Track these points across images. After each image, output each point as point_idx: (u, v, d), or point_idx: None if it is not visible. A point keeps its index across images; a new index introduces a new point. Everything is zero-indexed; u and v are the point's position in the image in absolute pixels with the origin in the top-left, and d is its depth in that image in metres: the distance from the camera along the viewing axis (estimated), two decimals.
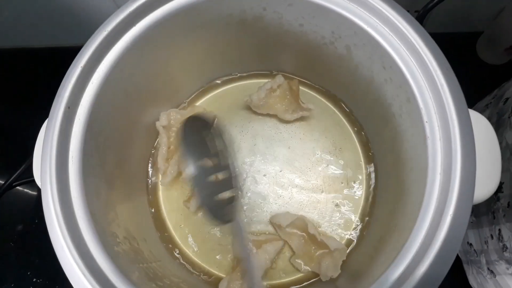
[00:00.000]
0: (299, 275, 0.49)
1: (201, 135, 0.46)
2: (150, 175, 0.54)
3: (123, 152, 0.47)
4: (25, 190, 0.67)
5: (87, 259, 0.34)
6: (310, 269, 0.49)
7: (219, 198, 0.46)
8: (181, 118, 0.53)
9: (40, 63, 0.73)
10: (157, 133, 0.53)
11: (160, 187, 0.54)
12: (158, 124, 0.51)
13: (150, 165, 0.54)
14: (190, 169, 0.45)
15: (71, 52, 0.39)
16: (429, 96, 0.37)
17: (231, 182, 0.47)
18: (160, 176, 0.53)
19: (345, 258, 0.47)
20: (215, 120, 0.54)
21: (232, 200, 0.46)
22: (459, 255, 0.56)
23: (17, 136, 0.69)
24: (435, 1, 0.48)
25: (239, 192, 0.45)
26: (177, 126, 0.53)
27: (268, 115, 0.55)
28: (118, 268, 0.35)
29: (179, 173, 0.52)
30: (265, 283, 0.49)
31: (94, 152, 0.40)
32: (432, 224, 0.33)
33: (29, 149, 0.42)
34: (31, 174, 0.41)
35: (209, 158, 0.46)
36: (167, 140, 0.51)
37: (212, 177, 0.46)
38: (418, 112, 0.37)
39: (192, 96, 0.57)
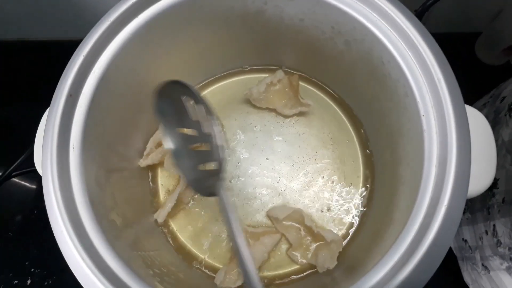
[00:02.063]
0: (296, 267, 0.50)
1: (181, 101, 0.42)
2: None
3: (123, 141, 0.47)
4: (23, 182, 0.67)
5: (85, 244, 0.35)
6: (307, 261, 0.49)
7: (201, 169, 0.43)
8: None
9: (43, 55, 0.73)
10: (157, 125, 0.53)
11: (160, 175, 0.54)
12: None
13: None
14: (167, 138, 0.41)
15: (75, 45, 0.40)
16: (426, 90, 0.37)
17: (213, 153, 0.42)
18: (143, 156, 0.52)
19: (341, 250, 0.47)
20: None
21: (216, 173, 0.42)
22: (454, 251, 0.56)
23: (16, 128, 0.70)
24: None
25: (224, 165, 0.41)
26: None
27: (267, 109, 0.56)
28: (116, 253, 0.36)
29: (160, 162, 0.53)
30: (261, 274, 0.50)
31: (94, 140, 0.40)
32: (427, 214, 0.34)
33: (28, 140, 0.42)
34: (29, 165, 0.42)
35: (190, 126, 0.43)
36: None
37: (193, 147, 0.44)
38: (415, 106, 0.38)
39: None
